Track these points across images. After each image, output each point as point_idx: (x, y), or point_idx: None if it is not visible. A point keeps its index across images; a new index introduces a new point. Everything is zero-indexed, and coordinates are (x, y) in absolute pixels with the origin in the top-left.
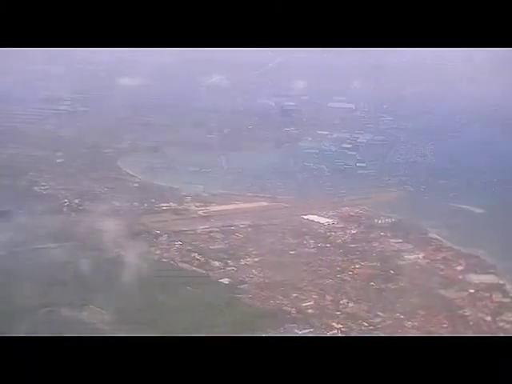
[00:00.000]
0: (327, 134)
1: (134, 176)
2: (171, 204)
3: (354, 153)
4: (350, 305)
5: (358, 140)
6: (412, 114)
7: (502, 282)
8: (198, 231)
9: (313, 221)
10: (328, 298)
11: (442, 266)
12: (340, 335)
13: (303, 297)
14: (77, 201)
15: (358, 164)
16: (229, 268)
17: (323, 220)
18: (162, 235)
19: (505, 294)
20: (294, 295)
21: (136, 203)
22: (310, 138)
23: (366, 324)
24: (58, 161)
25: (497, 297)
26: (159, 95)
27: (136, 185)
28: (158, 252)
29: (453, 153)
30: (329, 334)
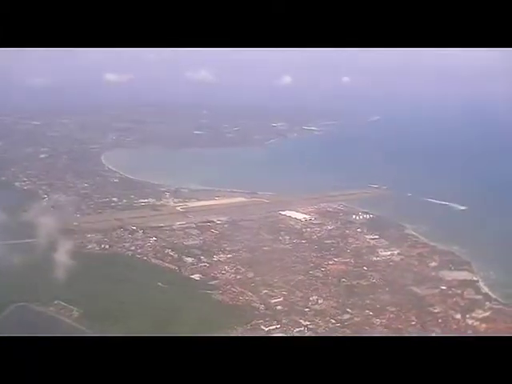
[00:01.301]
0: (314, 130)
1: (115, 172)
2: (150, 200)
3: (336, 149)
4: (320, 301)
5: (344, 136)
6: (396, 112)
7: (475, 278)
8: (175, 227)
9: (290, 217)
10: (298, 294)
11: (415, 263)
12: (339, 335)
13: (273, 293)
14: (56, 196)
15: (338, 160)
16: (201, 264)
17: (300, 216)
18: (137, 231)
19: (477, 290)
20: (264, 291)
21: (115, 199)
22: (295, 134)
23: (333, 321)
24: (42, 156)
25: (469, 293)
26: (146, 91)
27: (117, 180)
28: (133, 248)
29: (438, 150)
30: (296, 330)
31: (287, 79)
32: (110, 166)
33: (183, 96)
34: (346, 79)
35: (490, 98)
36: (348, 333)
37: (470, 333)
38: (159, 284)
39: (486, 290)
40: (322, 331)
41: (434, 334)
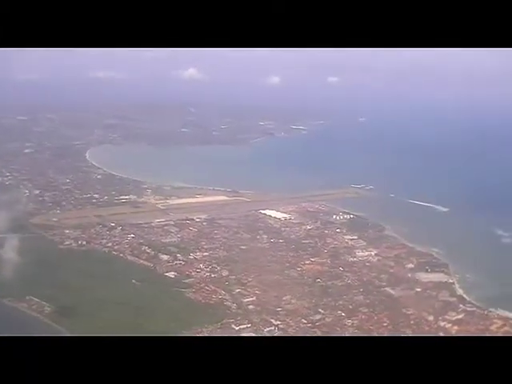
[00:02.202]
0: (302, 130)
1: (99, 168)
2: (131, 197)
3: (322, 148)
4: (293, 301)
5: (331, 136)
6: (383, 113)
7: (451, 280)
8: (153, 224)
9: (270, 216)
10: (271, 294)
11: (392, 264)
12: (339, 335)
13: (246, 292)
14: (37, 192)
15: (324, 160)
16: (177, 262)
17: (280, 215)
18: (116, 228)
19: (452, 293)
20: (238, 290)
21: (96, 195)
22: (283, 133)
23: (304, 321)
24: (26, 151)
25: (443, 296)
26: (134, 88)
27: (99, 177)
28: (110, 245)
29: (424, 151)
30: (266, 330)
31: (276, 78)
32: (94, 163)
33: (171, 94)
34: (333, 79)
35: (477, 99)
36: (318, 333)
37: (441, 335)
38: (133, 281)
39: (460, 292)
40: (293, 331)
41: (434, 335)
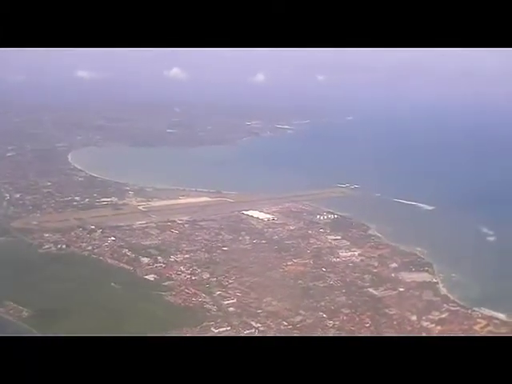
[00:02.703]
0: (287, 129)
1: (81, 170)
2: (113, 199)
3: (307, 148)
4: (274, 303)
5: (316, 135)
6: (370, 112)
7: (435, 280)
8: (134, 227)
9: (252, 216)
10: (252, 295)
11: (375, 264)
12: (338, 335)
13: (227, 294)
14: (18, 195)
15: (309, 160)
16: (157, 264)
17: (263, 216)
18: (96, 231)
19: (436, 292)
20: (218, 293)
21: (77, 198)
22: (268, 133)
23: (285, 323)
24: (8, 154)
25: (427, 295)
26: (118, 89)
27: (81, 179)
28: (90, 248)
29: (410, 150)
30: (246, 332)
31: (261, 76)
32: (76, 165)
33: (155, 93)
34: (320, 78)
35: (471, 97)
36: (301, 335)
37: (424, 335)
38: (113, 284)
39: (444, 291)
40: (273, 333)
41: (433, 334)
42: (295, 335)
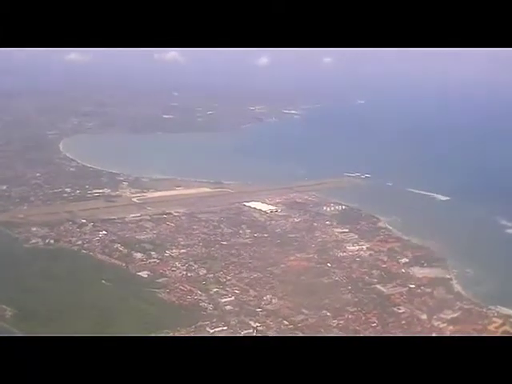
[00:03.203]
0: (294, 114)
1: (72, 160)
2: (105, 190)
3: (316, 134)
4: (274, 301)
5: (325, 121)
6: (382, 95)
7: (448, 276)
8: (128, 220)
9: (255, 208)
10: (252, 293)
11: (385, 258)
12: (338, 335)
13: (224, 292)
14: (4, 187)
15: (317, 147)
16: (151, 260)
17: (266, 207)
18: (87, 224)
19: (449, 289)
20: (215, 290)
21: (68, 189)
22: (273, 118)
23: (285, 322)
24: None
25: (439, 293)
26: (112, 71)
27: (73, 169)
28: (79, 243)
29: (424, 137)
30: (244, 332)
31: (264, 59)
32: (68, 154)
33: (152, 77)
34: (327, 60)
35: (480, 84)
36: (300, 335)
37: (441, 335)
38: (103, 282)
39: (458, 288)
40: (273, 333)
41: (434, 335)
42: (295, 335)
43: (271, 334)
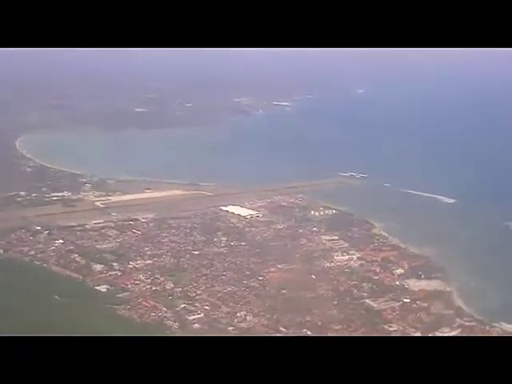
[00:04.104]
0: (285, 106)
1: (30, 159)
2: (65, 193)
3: (308, 129)
4: (249, 318)
5: (318, 114)
6: (382, 85)
7: (448, 289)
8: (88, 227)
9: (233, 213)
10: (224, 309)
11: (377, 269)
12: (338, 335)
13: (193, 308)
14: None
15: (308, 143)
16: (112, 272)
17: (245, 212)
18: (42, 232)
19: (448, 304)
20: (182, 306)
21: (23, 192)
22: (261, 111)
23: None
24: None
25: (436, 308)
26: (81, 60)
27: (29, 170)
28: (32, 253)
29: (427, 133)
30: None
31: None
32: (25, 152)
33: (126, 65)
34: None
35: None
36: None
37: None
38: (56, 297)
39: (459, 302)
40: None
41: (433, 335)
42: (295, 335)
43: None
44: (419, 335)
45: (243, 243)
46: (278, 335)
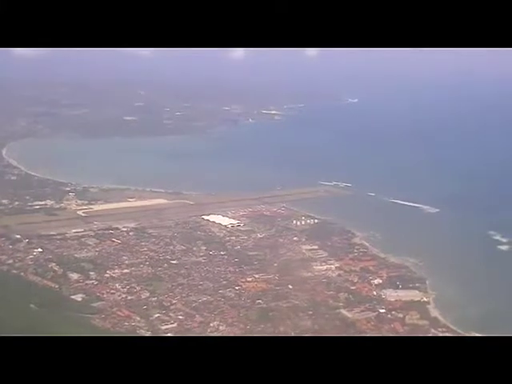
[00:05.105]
0: (275, 115)
1: (15, 167)
2: (48, 202)
3: (296, 137)
4: (221, 328)
5: (308, 122)
6: (372, 94)
7: (426, 299)
8: (68, 236)
9: (214, 222)
10: (197, 319)
11: (355, 279)
12: (338, 335)
13: (166, 318)
14: None
15: (296, 152)
16: (88, 281)
17: (227, 221)
18: (21, 240)
19: (424, 314)
20: (156, 315)
21: (5, 201)
22: (250, 120)
23: None
24: None
25: (411, 318)
26: (69, 67)
27: (14, 178)
28: (10, 262)
29: (413, 142)
30: None
31: (240, 51)
32: (11, 160)
33: (115, 72)
34: (311, 52)
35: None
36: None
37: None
38: (31, 306)
39: (435, 313)
40: None
41: (434, 335)
42: (295, 335)
43: None
44: (419, 335)
45: (222, 252)
46: (278, 335)
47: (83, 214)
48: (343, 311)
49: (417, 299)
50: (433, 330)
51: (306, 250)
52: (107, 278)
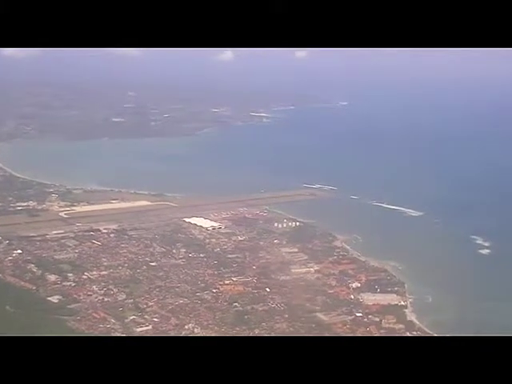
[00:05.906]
0: (264, 117)
1: (1, 168)
2: (30, 203)
3: (283, 140)
4: (196, 330)
5: (296, 125)
6: (363, 96)
7: (403, 303)
8: (48, 237)
9: (195, 224)
10: (173, 321)
11: (333, 283)
12: (338, 335)
13: (142, 320)
14: None
15: (281, 154)
16: (66, 283)
17: (208, 224)
18: (1, 242)
19: (400, 318)
20: (132, 318)
21: None
22: (239, 122)
23: None
24: None
25: (388, 322)
26: (58, 68)
27: None
28: None
29: (398, 145)
30: None
31: (228, 53)
32: None
33: (105, 74)
34: (300, 54)
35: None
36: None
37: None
38: (7, 308)
39: (412, 317)
40: None
41: (434, 335)
42: (295, 335)
43: None
44: (419, 335)
45: (201, 255)
46: (277, 335)
47: (65, 216)
48: (319, 314)
49: (394, 303)
50: (407, 334)
51: (286, 252)
52: (85, 279)
